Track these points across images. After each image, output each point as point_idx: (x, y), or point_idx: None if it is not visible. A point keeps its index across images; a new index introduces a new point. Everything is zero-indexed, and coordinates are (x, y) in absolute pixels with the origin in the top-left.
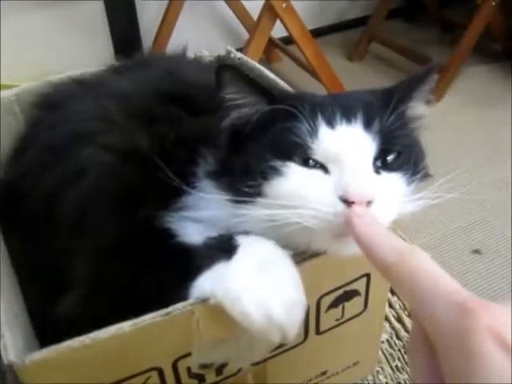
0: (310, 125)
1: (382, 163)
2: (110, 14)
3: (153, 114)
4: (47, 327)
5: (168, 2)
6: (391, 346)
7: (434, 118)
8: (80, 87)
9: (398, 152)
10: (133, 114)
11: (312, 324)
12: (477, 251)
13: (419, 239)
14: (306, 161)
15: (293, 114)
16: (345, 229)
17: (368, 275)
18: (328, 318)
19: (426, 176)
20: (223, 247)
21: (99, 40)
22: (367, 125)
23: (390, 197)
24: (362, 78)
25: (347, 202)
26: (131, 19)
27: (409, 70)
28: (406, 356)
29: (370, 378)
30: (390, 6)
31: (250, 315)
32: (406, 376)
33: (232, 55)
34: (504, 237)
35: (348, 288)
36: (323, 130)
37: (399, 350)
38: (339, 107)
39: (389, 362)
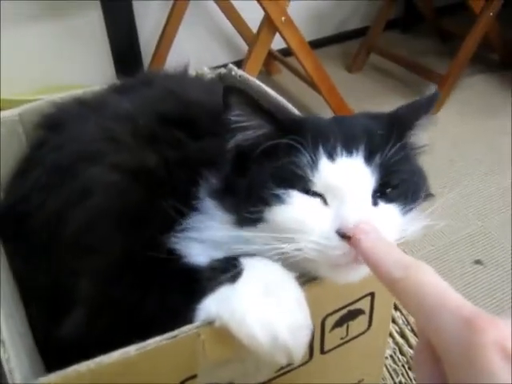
0: (311, 157)
1: (380, 195)
2: (109, 25)
3: (156, 135)
4: (51, 347)
5: (168, 15)
6: (395, 362)
7: (432, 129)
8: (83, 107)
9: (397, 183)
10: (137, 135)
11: (317, 343)
12: (478, 262)
13: (421, 250)
14: (307, 191)
15: (295, 146)
16: (342, 260)
17: (372, 294)
18: (333, 338)
19: (428, 196)
20: (228, 269)
21: (99, 52)
22: (368, 158)
23: (386, 228)
24: (361, 88)
25: (345, 236)
26: (130, 31)
27: (407, 81)
28: (409, 371)
29: None
30: (387, 16)
31: (256, 337)
32: None
33: (233, 72)
34: (505, 247)
35: (352, 307)
36: (323, 162)
37: (403, 366)
38: (341, 138)
39: (392, 378)
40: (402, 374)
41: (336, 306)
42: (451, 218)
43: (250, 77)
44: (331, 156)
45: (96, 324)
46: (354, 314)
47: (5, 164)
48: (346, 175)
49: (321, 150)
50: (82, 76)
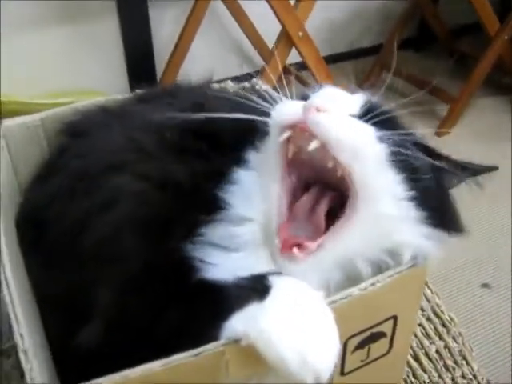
0: None
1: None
2: (124, 33)
3: (182, 148)
4: (65, 359)
5: (183, 25)
6: None
7: (442, 150)
8: (107, 115)
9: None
10: (164, 146)
11: (337, 364)
12: (486, 285)
13: (428, 273)
14: None
15: None
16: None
17: (395, 317)
18: (353, 360)
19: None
20: (256, 287)
21: (113, 59)
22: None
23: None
24: None
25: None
26: (146, 39)
27: (419, 100)
28: None
29: None
30: (401, 35)
31: (285, 358)
32: None
33: (257, 87)
34: None
35: (375, 330)
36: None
37: None
38: None
39: None
40: None
41: (359, 328)
42: (460, 240)
43: (275, 92)
44: None
45: (113, 336)
46: (377, 336)
47: (25, 168)
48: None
49: None
50: (95, 82)
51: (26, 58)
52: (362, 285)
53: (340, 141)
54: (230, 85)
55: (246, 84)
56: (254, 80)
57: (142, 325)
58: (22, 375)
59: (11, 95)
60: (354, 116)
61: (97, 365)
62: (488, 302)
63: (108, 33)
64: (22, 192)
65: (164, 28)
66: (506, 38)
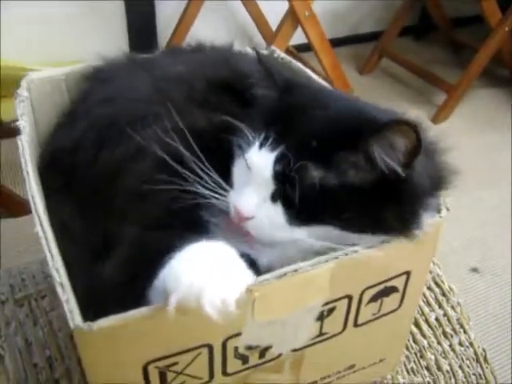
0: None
1: (279, 194)
2: (128, 7)
3: (208, 100)
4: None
5: (187, 3)
6: (407, 349)
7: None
8: (133, 63)
9: (299, 194)
10: (191, 98)
11: (352, 315)
12: (475, 270)
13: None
14: None
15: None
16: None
17: (408, 273)
18: (367, 312)
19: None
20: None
21: (116, 32)
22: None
23: (264, 222)
24: (371, 91)
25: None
26: (149, 13)
27: (416, 87)
28: (421, 359)
29: (389, 377)
30: (402, 23)
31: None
32: (421, 379)
33: (275, 54)
34: (502, 257)
35: (389, 284)
36: (255, 147)
37: (415, 354)
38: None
39: (405, 365)
40: (414, 361)
41: (376, 280)
42: (449, 225)
43: (293, 60)
44: (261, 145)
45: (136, 268)
46: (389, 290)
47: (45, 120)
48: (262, 164)
49: (257, 138)
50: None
51: (27, 26)
52: (380, 238)
53: (264, 239)
54: (249, 51)
55: (265, 51)
56: (272, 47)
57: (159, 259)
58: (34, 323)
59: (11, 61)
60: (272, 192)
61: (119, 300)
62: (477, 285)
63: (112, 5)
64: (40, 143)
65: (167, 6)
66: (506, 29)
